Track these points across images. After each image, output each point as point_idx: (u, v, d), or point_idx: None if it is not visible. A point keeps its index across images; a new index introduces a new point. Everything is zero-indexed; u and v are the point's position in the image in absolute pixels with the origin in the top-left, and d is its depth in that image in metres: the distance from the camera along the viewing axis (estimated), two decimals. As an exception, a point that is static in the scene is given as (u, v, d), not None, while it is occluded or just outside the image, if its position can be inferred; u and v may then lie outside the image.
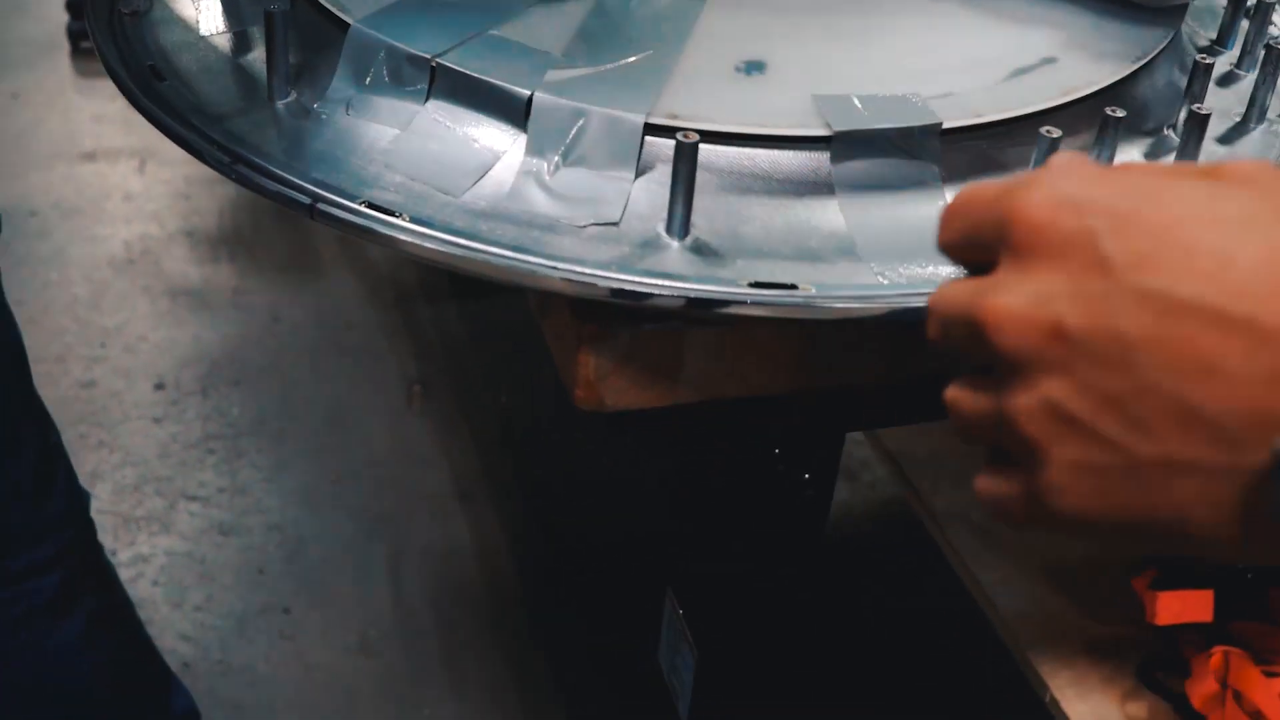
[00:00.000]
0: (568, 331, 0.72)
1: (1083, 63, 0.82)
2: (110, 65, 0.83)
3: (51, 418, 1.32)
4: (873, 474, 2.12)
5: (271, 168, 0.74)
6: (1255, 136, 0.85)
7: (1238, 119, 0.87)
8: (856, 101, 0.75)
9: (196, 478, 2.18)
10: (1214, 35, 0.95)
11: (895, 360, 0.76)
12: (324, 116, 0.79)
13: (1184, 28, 0.94)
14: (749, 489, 0.91)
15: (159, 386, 2.36)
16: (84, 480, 1.39)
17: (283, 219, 2.76)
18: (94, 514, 1.41)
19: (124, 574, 1.89)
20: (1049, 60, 0.82)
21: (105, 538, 1.91)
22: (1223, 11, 0.96)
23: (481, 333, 2.48)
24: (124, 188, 2.85)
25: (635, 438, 0.79)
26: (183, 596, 1.98)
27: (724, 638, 0.95)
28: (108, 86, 0.84)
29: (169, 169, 2.88)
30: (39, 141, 2.98)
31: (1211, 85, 0.89)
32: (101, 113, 3.03)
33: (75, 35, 3.25)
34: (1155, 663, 1.12)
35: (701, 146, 0.70)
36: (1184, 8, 0.89)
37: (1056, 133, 0.70)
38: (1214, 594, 1.00)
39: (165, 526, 2.09)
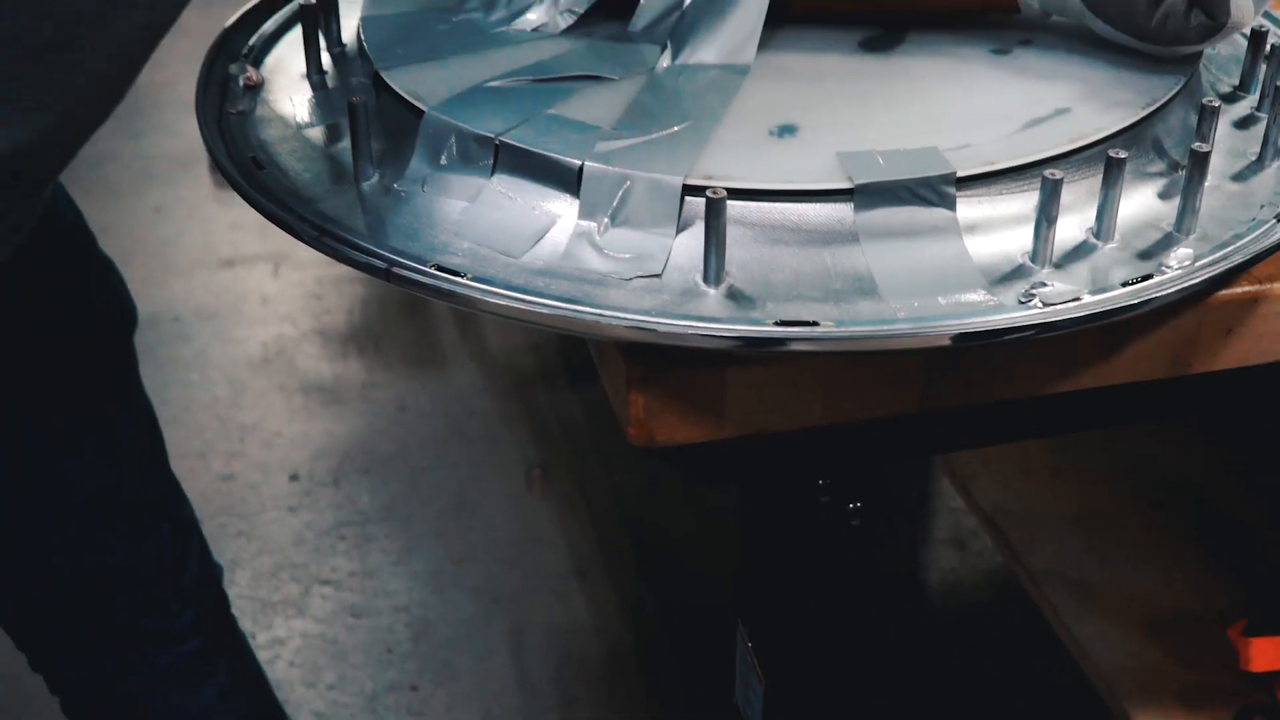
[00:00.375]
0: (619, 375, 0.79)
1: (1095, 112, 0.86)
2: (217, 159, 0.93)
3: (185, 493, 1.42)
4: (982, 543, 2.15)
5: (354, 239, 0.82)
6: (1269, 174, 0.89)
7: (1253, 158, 0.91)
8: (878, 157, 0.81)
9: (329, 563, 2.27)
10: (1237, 81, 0.99)
11: (927, 391, 0.81)
12: (403, 194, 0.86)
13: (1207, 74, 0.98)
14: (798, 520, 0.96)
15: (294, 478, 2.46)
16: (223, 567, 1.48)
17: (408, 314, 2.87)
18: (234, 598, 1.49)
19: (262, 656, 1.96)
20: (1062, 111, 0.87)
21: (244, 621, 2.00)
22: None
23: (597, 415, 2.56)
24: (260, 291, 2.98)
25: (689, 473, 0.85)
26: (317, 676, 2.07)
27: (792, 667, 1.00)
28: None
29: (301, 271, 3.01)
30: (180, 251, 3.12)
31: (1230, 128, 0.94)
32: (239, 221, 3.17)
33: (214, 149, 3.41)
34: (1252, 709, 1.14)
35: (736, 203, 0.77)
36: (1197, 56, 0.94)
37: (1059, 175, 0.76)
38: (1310, 639, 1.02)
39: (300, 610, 2.18)
